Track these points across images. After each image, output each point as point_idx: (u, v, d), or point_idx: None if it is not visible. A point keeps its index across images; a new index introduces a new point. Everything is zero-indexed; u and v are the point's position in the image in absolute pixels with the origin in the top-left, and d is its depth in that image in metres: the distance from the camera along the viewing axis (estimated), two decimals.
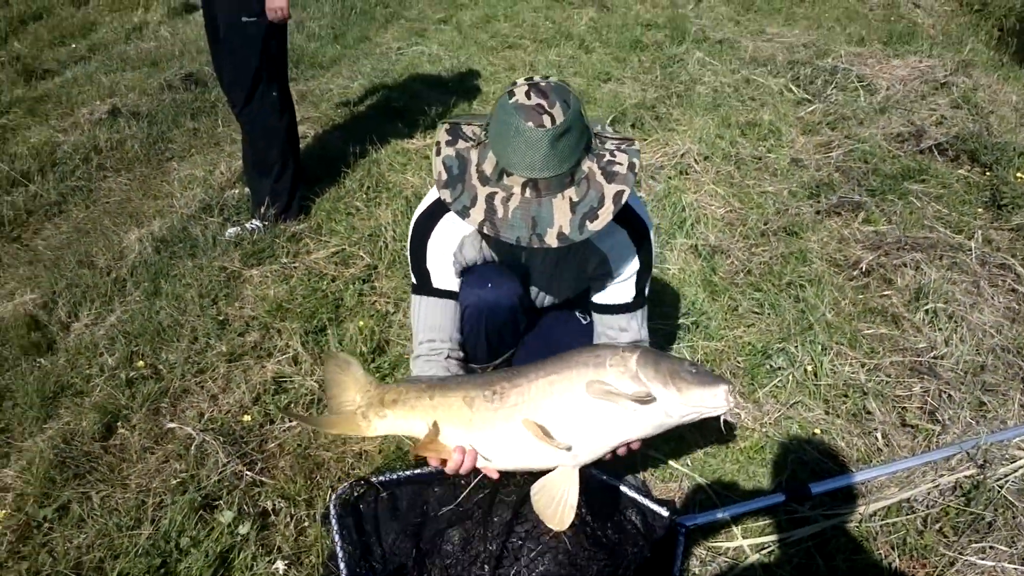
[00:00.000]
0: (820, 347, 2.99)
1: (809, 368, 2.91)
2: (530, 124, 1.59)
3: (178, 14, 7.31)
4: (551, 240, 1.65)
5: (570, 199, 1.66)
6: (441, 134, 1.78)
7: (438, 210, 2.00)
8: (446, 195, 1.69)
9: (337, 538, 2.07)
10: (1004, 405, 2.77)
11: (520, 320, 2.23)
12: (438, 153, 1.74)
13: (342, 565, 2.05)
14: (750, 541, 2.29)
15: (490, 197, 1.67)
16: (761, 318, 3.23)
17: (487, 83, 5.70)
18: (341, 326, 3.10)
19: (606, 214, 1.67)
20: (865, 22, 7.10)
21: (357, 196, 4.04)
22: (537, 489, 1.77)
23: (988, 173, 4.36)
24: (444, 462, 1.80)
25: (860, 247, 3.71)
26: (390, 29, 7.10)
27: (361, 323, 3.07)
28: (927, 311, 3.21)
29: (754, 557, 2.25)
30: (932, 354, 3.00)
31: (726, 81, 5.69)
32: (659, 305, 3.24)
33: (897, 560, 2.25)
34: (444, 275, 2.05)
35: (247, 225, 3.78)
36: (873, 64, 6.03)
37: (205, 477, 2.41)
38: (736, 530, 2.32)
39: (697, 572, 2.22)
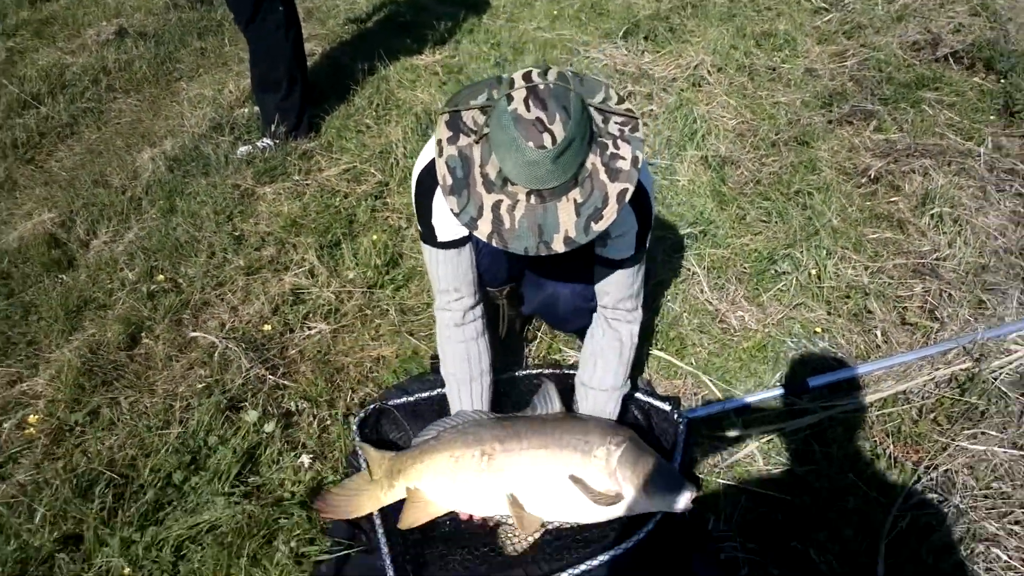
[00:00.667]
0: (825, 252, 3.09)
1: (813, 272, 3.01)
2: (531, 144, 1.55)
3: None
4: (558, 246, 1.65)
5: (575, 201, 1.64)
6: (441, 129, 1.71)
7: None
8: (452, 203, 1.67)
9: (358, 438, 2.25)
10: (1003, 303, 2.87)
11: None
12: (440, 154, 1.69)
13: (363, 463, 2.22)
14: (750, 430, 2.43)
15: (496, 206, 1.65)
16: (768, 226, 3.31)
17: None
18: (355, 240, 3.22)
19: (611, 213, 1.66)
20: None
21: (367, 114, 4.11)
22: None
23: (1003, 80, 4.36)
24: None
25: (870, 155, 3.76)
26: None
27: (375, 237, 3.19)
28: (932, 215, 3.28)
29: (754, 445, 2.40)
30: (935, 256, 3.09)
31: None
32: (668, 215, 3.32)
33: (891, 446, 2.39)
34: (449, 229, 2.08)
35: (258, 144, 3.87)
36: None
37: (229, 381, 2.57)
38: (737, 420, 2.46)
39: (700, 459, 2.36)
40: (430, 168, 1.98)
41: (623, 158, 1.66)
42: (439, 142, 1.70)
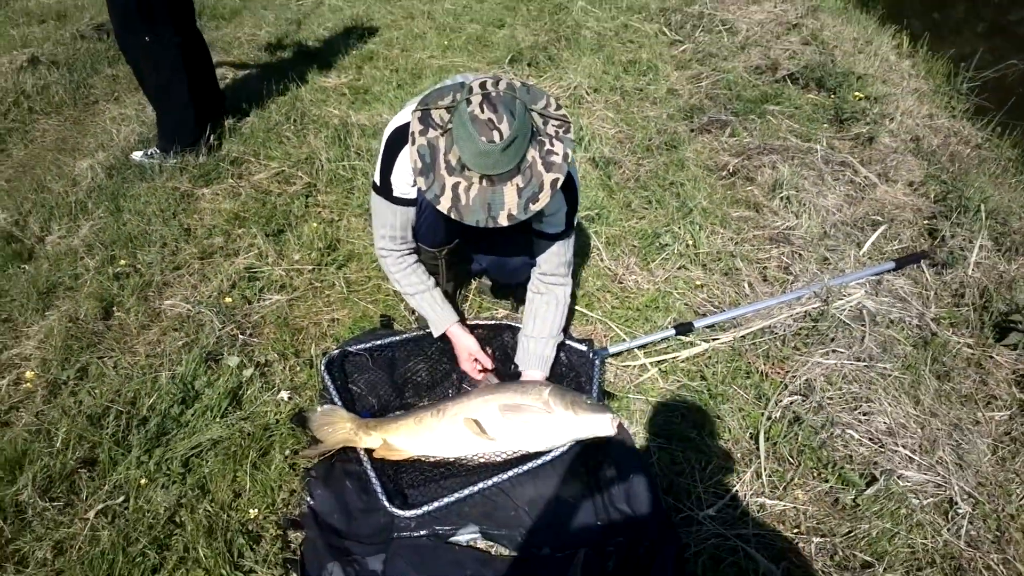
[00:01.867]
0: (698, 227, 3.71)
1: (690, 243, 3.62)
2: (483, 139, 2.04)
3: None
4: (503, 220, 2.15)
5: (517, 186, 2.15)
6: (415, 123, 2.18)
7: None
8: (421, 182, 2.15)
9: (327, 377, 2.65)
10: (842, 260, 3.56)
11: None
12: (413, 142, 2.16)
13: (334, 393, 2.62)
14: (650, 359, 2.97)
15: (455, 186, 2.13)
16: (649, 210, 3.92)
17: (389, 29, 6.20)
18: (296, 229, 3.60)
19: (545, 197, 2.17)
20: None
21: (286, 127, 4.50)
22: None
23: (832, 96, 5.21)
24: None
25: (727, 154, 4.47)
26: None
27: (314, 225, 3.59)
28: (782, 198, 3.98)
29: (653, 370, 2.94)
30: (786, 227, 3.77)
31: (607, 26, 6.38)
32: None
33: (762, 365, 2.98)
34: (404, 188, 2.52)
35: (149, 151, 4.16)
36: (734, 9, 6.86)
37: (205, 339, 2.90)
38: (639, 352, 3.00)
39: (612, 381, 2.88)
40: (401, 129, 2.44)
41: (557, 154, 2.20)
42: (412, 133, 2.19)
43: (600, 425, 2.42)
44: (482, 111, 2.05)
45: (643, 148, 4.52)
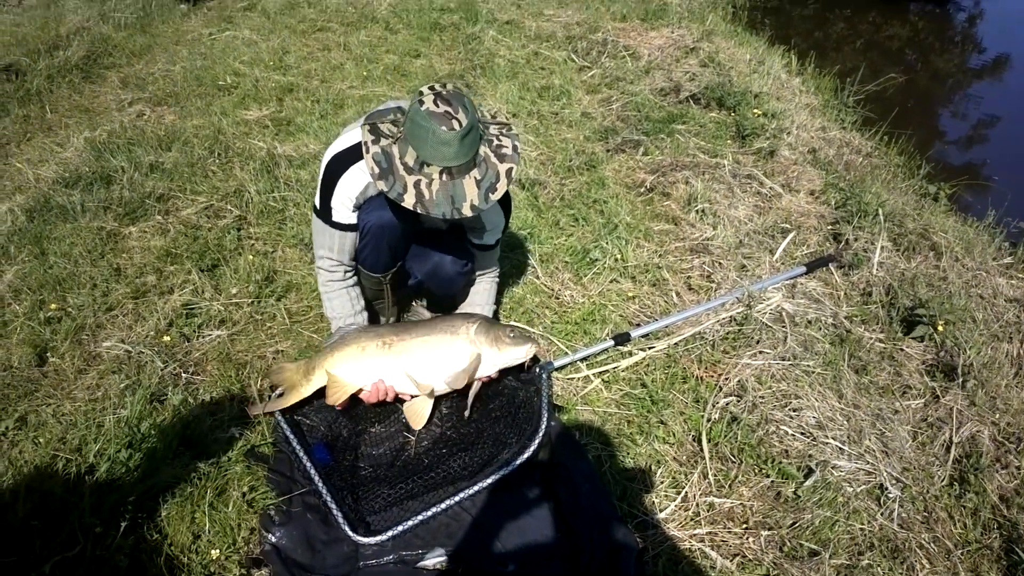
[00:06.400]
0: (624, 241, 3.74)
1: (618, 256, 3.64)
2: (443, 128, 2.08)
3: None
4: (467, 211, 2.18)
5: (475, 178, 2.19)
6: (365, 135, 2.22)
7: (352, 156, 2.41)
8: (382, 185, 2.16)
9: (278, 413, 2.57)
10: (759, 266, 3.64)
11: (410, 239, 2.72)
12: (367, 151, 2.19)
13: (284, 427, 2.53)
14: (593, 371, 2.97)
15: (417, 184, 2.16)
16: (577, 227, 3.93)
17: (307, 61, 6.05)
18: (231, 262, 3.45)
19: (503, 186, 2.23)
20: (625, 3, 8.09)
21: (210, 161, 4.32)
22: (406, 407, 2.63)
23: (733, 114, 5.36)
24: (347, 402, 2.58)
25: (643, 172, 4.53)
26: (195, 18, 7.18)
27: (250, 257, 3.45)
28: (698, 211, 4.06)
29: (597, 381, 2.93)
30: (704, 239, 3.84)
31: (519, 55, 6.41)
32: None
33: (697, 369, 3.01)
34: (344, 213, 2.50)
35: None
36: (635, 36, 7.00)
37: (147, 379, 2.74)
38: (582, 365, 2.99)
39: (560, 394, 2.86)
40: (339, 156, 2.44)
41: (506, 147, 2.27)
42: (364, 144, 2.21)
43: (523, 355, 2.60)
44: (437, 106, 2.10)
45: (564, 169, 4.53)
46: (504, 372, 2.71)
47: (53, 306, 3.11)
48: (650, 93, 5.70)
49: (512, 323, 3.17)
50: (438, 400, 2.67)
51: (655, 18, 7.55)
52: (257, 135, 4.71)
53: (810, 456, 2.65)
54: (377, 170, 2.17)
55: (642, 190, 4.34)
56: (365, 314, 2.80)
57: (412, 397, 2.59)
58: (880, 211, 3.97)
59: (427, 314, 2.74)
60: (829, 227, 4.04)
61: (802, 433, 2.74)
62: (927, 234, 3.96)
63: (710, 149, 4.81)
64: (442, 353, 2.56)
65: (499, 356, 2.57)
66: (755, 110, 5.25)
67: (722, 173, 4.46)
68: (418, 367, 2.55)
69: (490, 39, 6.66)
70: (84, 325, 3.05)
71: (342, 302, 2.72)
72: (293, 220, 3.83)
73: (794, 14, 10.56)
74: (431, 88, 2.17)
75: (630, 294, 3.41)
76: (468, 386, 2.62)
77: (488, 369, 2.59)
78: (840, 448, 2.70)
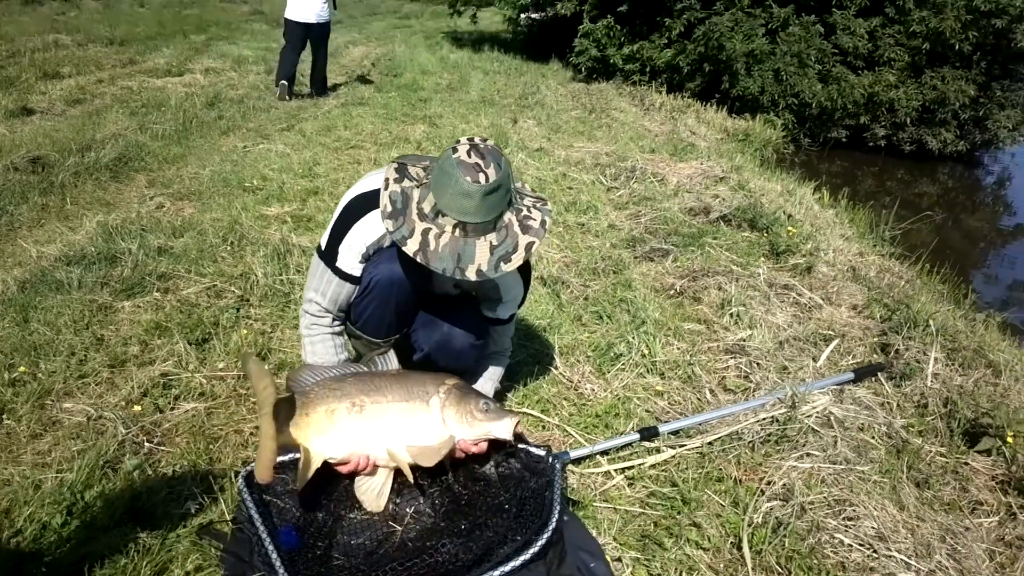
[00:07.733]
0: (652, 337, 3.38)
1: (646, 352, 3.28)
2: (467, 179, 1.85)
3: (15, 116, 7.10)
4: (471, 274, 1.93)
5: (491, 243, 1.94)
6: (390, 172, 2.02)
7: (375, 201, 2.10)
8: (389, 224, 1.94)
9: (245, 491, 2.14)
10: (801, 369, 3.25)
11: (418, 304, 2.41)
12: (386, 188, 1.97)
13: (251, 507, 2.10)
14: (615, 466, 2.54)
15: (425, 232, 1.92)
16: (601, 324, 3.59)
17: (336, 171, 5.95)
18: (223, 337, 3.14)
19: (518, 259, 1.97)
20: (653, 140, 8.11)
21: (221, 248, 4.10)
22: (358, 484, 2.16)
23: (766, 234, 5.11)
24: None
25: (672, 277, 4.23)
26: (232, 136, 7.22)
27: (244, 332, 3.14)
28: (731, 315, 3.71)
29: (619, 478, 2.50)
30: (740, 340, 3.47)
31: (547, 175, 6.31)
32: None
33: (735, 470, 2.57)
34: (350, 261, 2.22)
35: None
36: (663, 166, 6.91)
37: (105, 444, 2.36)
38: (603, 459, 2.57)
39: (576, 489, 2.43)
40: (361, 197, 2.17)
41: (534, 220, 2.02)
42: (386, 180, 1.99)
43: (499, 431, 2.17)
44: (469, 156, 1.90)
45: (589, 271, 4.25)
46: (493, 445, 2.30)
47: (22, 368, 2.78)
48: (679, 211, 5.50)
49: (516, 408, 2.77)
50: (430, 483, 2.25)
51: (684, 153, 7.51)
52: (276, 227, 4.51)
53: (871, 569, 2.17)
54: (390, 208, 1.95)
55: (671, 292, 4.03)
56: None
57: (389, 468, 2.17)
58: (931, 322, 3.60)
59: (393, 361, 2.31)
60: (875, 339, 3.66)
61: (861, 544, 2.27)
62: (982, 351, 3.56)
63: (743, 262, 4.52)
64: (414, 424, 2.16)
65: (469, 432, 2.17)
66: (791, 228, 4.99)
67: (757, 282, 4.15)
68: (393, 437, 2.14)
69: (519, 160, 6.59)
70: (51, 390, 2.71)
71: (325, 347, 2.36)
72: (298, 304, 3.53)
73: (822, 168, 10.59)
74: (469, 139, 1.96)
75: (658, 388, 3.02)
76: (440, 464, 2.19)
77: (462, 444, 2.18)
78: (906, 562, 2.21)
